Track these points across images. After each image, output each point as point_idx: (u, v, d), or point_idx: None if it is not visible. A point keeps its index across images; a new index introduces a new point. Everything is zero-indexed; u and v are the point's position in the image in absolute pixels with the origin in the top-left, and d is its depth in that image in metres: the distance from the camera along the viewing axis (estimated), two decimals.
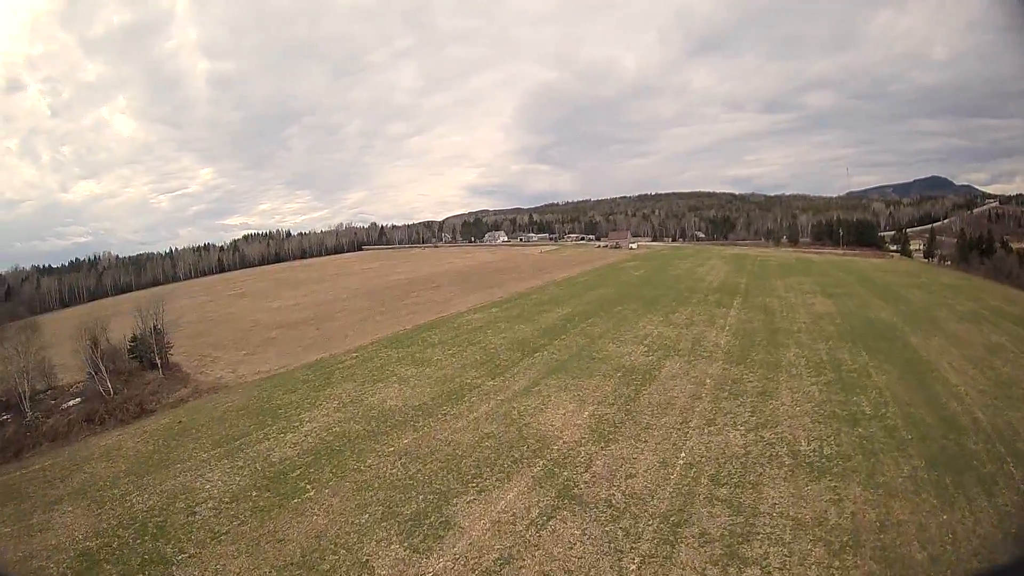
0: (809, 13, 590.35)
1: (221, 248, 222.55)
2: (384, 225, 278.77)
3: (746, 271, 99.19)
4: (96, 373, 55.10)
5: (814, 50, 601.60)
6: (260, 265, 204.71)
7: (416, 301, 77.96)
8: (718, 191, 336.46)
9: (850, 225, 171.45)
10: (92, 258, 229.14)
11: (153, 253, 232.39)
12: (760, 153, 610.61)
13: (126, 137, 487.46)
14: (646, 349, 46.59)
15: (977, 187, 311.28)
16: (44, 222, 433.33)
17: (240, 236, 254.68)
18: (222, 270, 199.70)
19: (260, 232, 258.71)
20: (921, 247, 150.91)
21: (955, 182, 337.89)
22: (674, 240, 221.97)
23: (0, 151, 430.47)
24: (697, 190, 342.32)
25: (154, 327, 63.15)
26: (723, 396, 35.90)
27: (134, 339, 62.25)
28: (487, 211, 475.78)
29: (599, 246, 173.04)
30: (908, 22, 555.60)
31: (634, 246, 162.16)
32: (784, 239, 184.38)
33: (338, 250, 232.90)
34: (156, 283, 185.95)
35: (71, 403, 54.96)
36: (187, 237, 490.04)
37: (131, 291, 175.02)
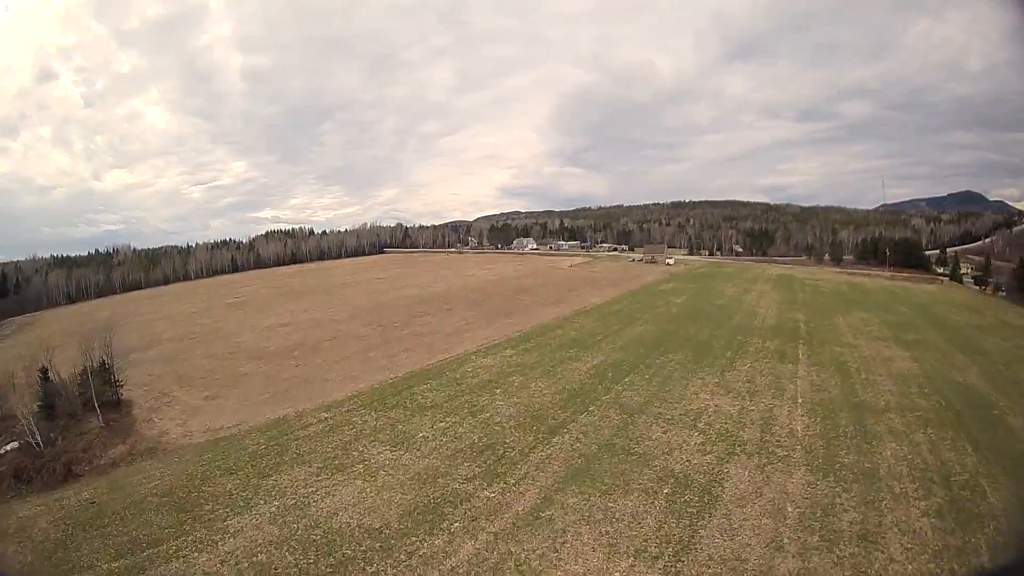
0: (846, 20, 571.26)
1: (238, 246, 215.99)
2: (408, 227, 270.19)
3: (799, 301, 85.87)
4: (30, 418, 46.15)
5: (850, 58, 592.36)
6: (275, 266, 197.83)
7: (420, 331, 66.76)
8: (752, 200, 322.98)
9: (895, 244, 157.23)
10: (111, 251, 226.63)
11: (172, 247, 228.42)
12: (794, 162, 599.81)
13: (160, 128, 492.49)
14: (702, 438, 34.23)
15: (1009, 203, 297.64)
16: (75, 209, 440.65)
17: (262, 232, 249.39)
18: (235, 270, 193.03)
19: (285, 228, 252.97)
20: (969, 270, 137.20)
21: (988, 197, 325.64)
22: (711, 254, 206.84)
23: (33, 138, 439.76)
24: (731, 199, 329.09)
25: (102, 362, 53.36)
26: (812, 545, 23.73)
27: (84, 372, 52.70)
28: (519, 212, 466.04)
29: (633, 260, 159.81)
30: (945, 31, 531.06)
31: (671, 261, 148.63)
32: (827, 257, 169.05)
33: (359, 252, 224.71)
34: (166, 281, 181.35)
35: (7, 448, 45.65)
36: (218, 228, 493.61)
37: (140, 288, 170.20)
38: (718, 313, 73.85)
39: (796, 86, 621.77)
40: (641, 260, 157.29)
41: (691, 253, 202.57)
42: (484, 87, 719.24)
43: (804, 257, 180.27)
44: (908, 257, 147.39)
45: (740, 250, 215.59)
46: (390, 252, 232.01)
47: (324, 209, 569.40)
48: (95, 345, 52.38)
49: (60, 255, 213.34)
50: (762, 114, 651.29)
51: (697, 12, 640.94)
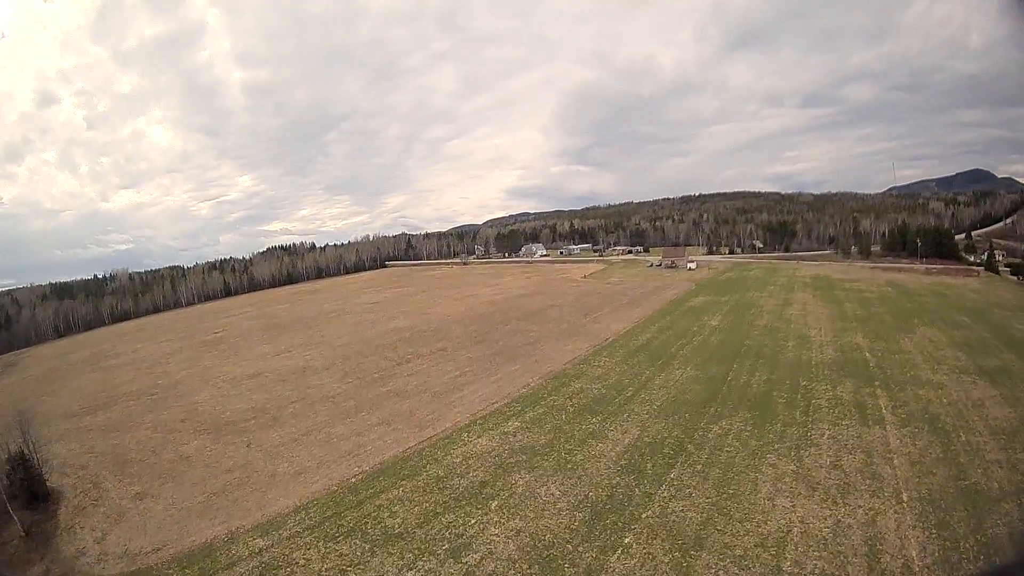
0: (846, 3, 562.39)
1: (233, 267, 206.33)
2: (413, 235, 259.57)
3: (850, 315, 73.49)
4: None
5: (853, 41, 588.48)
6: (270, 287, 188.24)
7: (402, 387, 55.06)
8: (764, 190, 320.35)
9: (927, 233, 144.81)
10: (108, 275, 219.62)
11: (175, 267, 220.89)
12: (801, 149, 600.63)
13: (164, 147, 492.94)
14: None
15: (1018, 179, 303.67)
16: (85, 230, 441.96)
17: (267, 247, 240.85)
18: (228, 293, 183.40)
19: (287, 244, 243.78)
20: (1001, 258, 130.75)
21: (996, 174, 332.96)
22: (731, 252, 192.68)
23: (38, 163, 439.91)
24: (741, 190, 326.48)
25: (21, 457, 42.64)
26: None
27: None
28: (527, 214, 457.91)
29: (651, 264, 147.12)
30: (944, 10, 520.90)
31: (692, 265, 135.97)
32: (853, 250, 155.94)
33: (359, 267, 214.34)
34: (156, 309, 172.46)
35: None
36: (228, 243, 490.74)
37: (129, 318, 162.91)
38: (766, 341, 61.38)
39: (799, 72, 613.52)
40: (659, 265, 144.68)
41: (709, 252, 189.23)
42: (487, 90, 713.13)
43: (829, 251, 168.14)
44: (939, 247, 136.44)
45: (760, 245, 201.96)
46: (392, 265, 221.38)
47: (333, 219, 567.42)
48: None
49: (59, 282, 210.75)
50: (766, 102, 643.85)
51: (696, 4, 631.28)
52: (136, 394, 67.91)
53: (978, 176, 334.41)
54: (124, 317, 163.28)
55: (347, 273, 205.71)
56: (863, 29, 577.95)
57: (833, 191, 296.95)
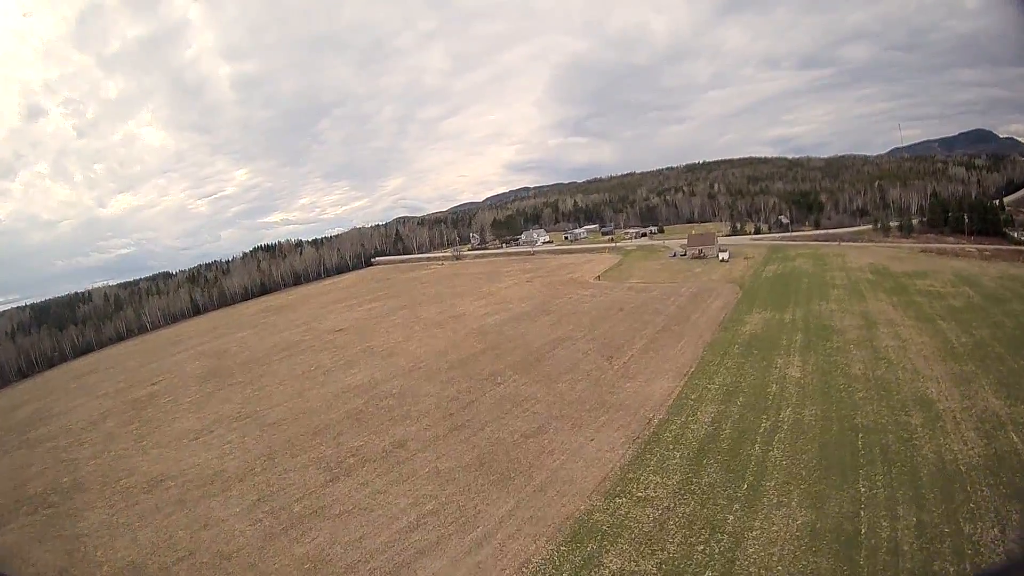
0: None
1: (206, 279, 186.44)
2: (400, 228, 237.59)
3: (958, 350, 52.10)
4: None
5: (849, 1, 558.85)
6: (242, 300, 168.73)
7: (321, 548, 34.57)
8: (769, 155, 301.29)
9: (972, 208, 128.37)
10: (85, 293, 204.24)
11: (143, 280, 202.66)
12: (799, 112, 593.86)
13: (157, 147, 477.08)
14: None
15: (1019, 139, 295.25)
16: (85, 238, 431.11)
17: (251, 248, 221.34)
18: (196, 312, 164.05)
19: (271, 244, 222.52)
20: None
21: (998, 134, 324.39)
22: (757, 231, 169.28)
23: (31, 176, 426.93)
24: (746, 156, 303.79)
25: None
26: None
27: None
28: (527, 189, 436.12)
29: (675, 255, 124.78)
30: None
31: (725, 255, 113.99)
32: (893, 227, 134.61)
33: (341, 268, 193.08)
34: (119, 337, 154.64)
35: None
36: (229, 238, 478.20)
37: (92, 351, 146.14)
38: (882, 416, 40.25)
39: (795, 33, 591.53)
40: (684, 255, 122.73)
41: (733, 231, 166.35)
42: (479, 66, 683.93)
43: (863, 225, 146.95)
44: (985, 224, 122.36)
45: (786, 221, 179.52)
46: (379, 263, 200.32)
47: (333, 206, 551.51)
48: None
49: (40, 302, 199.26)
50: (763, 65, 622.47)
51: None
52: (32, 501, 49.81)
53: (981, 136, 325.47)
54: (87, 349, 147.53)
55: (328, 276, 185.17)
56: None
57: (836, 154, 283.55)
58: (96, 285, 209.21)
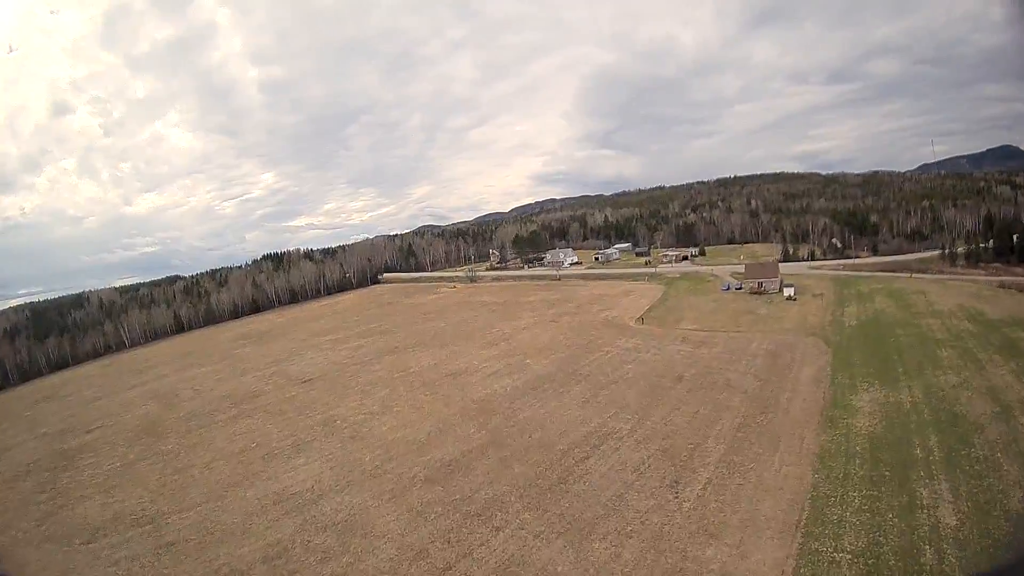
0: None
1: (199, 292, 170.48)
2: (413, 244, 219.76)
3: None
4: None
5: (876, 15, 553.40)
6: (231, 319, 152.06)
7: None
8: (802, 171, 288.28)
9: None
10: (83, 297, 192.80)
11: (144, 285, 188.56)
12: (826, 127, 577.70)
13: (184, 148, 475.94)
14: None
15: None
16: (110, 235, 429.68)
17: (289, 248, 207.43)
18: (180, 329, 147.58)
19: (279, 253, 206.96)
20: None
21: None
22: (811, 256, 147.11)
23: (57, 172, 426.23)
24: (777, 171, 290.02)
25: None
26: None
27: None
28: (554, 200, 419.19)
29: (728, 287, 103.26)
30: None
31: (790, 291, 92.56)
32: (961, 256, 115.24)
33: (343, 287, 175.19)
34: (96, 353, 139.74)
35: None
36: (254, 240, 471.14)
37: (68, 366, 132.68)
38: None
39: (823, 48, 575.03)
40: (740, 288, 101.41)
41: (785, 258, 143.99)
42: (507, 76, 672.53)
43: (925, 252, 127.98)
44: None
45: (839, 245, 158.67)
46: (386, 280, 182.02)
47: (358, 212, 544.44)
48: None
49: (52, 299, 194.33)
50: (790, 80, 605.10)
51: None
52: None
53: (1008, 153, 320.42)
54: (62, 364, 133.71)
55: (328, 295, 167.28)
56: (886, 3, 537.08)
57: (865, 170, 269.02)
58: (125, 281, 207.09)
